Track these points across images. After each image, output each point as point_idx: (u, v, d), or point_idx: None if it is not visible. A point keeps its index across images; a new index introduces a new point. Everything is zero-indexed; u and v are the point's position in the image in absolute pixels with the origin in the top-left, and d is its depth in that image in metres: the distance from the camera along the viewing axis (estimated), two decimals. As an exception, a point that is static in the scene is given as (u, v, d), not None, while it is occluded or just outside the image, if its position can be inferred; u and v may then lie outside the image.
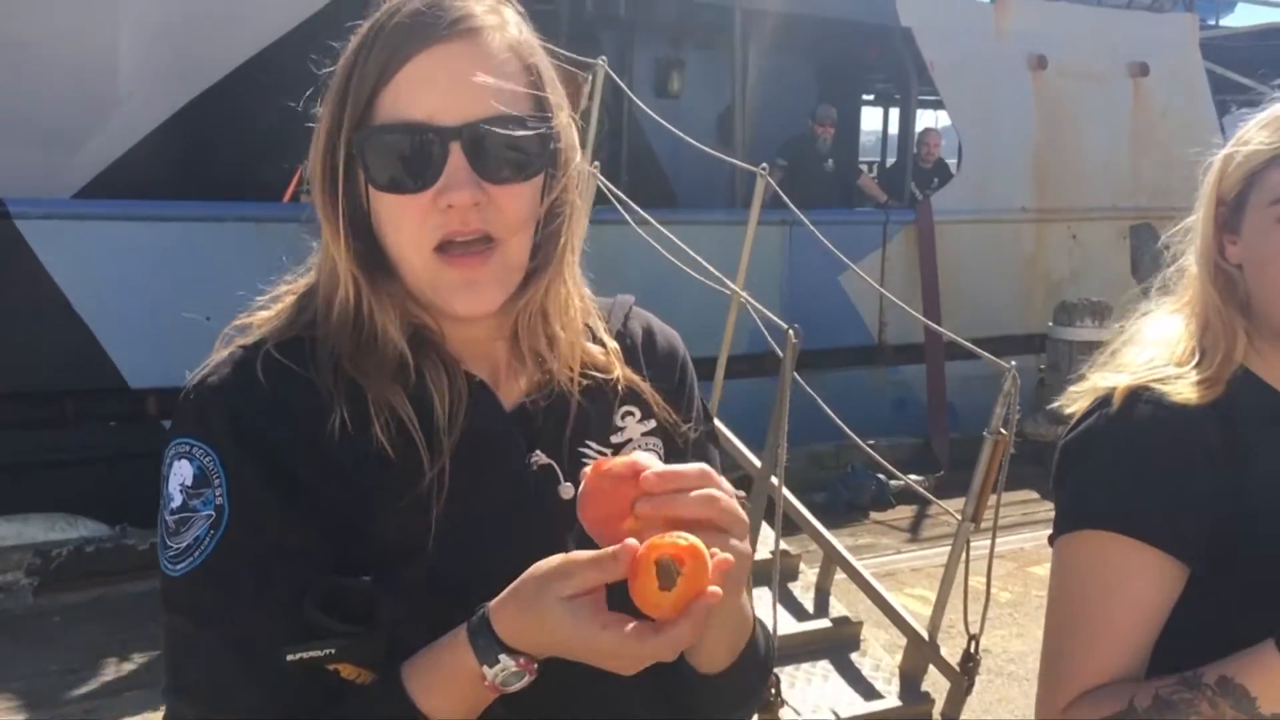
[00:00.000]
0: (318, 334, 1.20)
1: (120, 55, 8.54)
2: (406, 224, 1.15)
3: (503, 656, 1.05)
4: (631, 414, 1.32)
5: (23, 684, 5.40)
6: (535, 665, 1.06)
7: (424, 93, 1.13)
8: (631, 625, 1.00)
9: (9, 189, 7.69)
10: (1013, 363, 4.56)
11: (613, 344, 1.33)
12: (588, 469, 1.09)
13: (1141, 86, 12.48)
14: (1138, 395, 1.47)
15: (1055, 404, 1.60)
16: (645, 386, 1.32)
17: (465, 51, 1.14)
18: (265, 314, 1.25)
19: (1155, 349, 1.52)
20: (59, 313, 7.63)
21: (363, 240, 1.19)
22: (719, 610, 1.04)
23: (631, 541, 1.00)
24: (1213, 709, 1.31)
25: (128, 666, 5.54)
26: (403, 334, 1.20)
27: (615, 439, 1.30)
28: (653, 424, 1.33)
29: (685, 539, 1.01)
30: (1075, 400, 1.56)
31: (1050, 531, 1.53)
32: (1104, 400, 1.50)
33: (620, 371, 1.31)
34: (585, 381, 1.28)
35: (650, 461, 1.07)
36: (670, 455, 1.33)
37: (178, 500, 1.15)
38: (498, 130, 1.13)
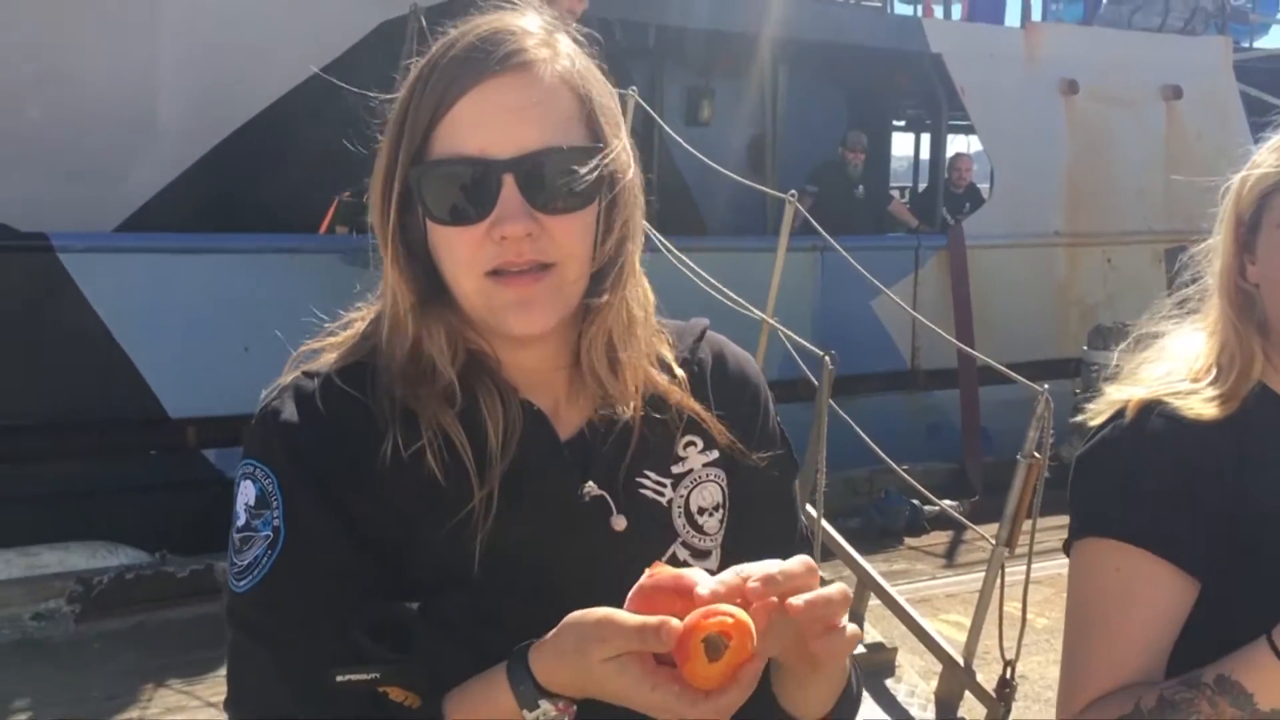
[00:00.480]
0: (378, 360, 1.23)
1: (159, 92, 8.71)
2: (461, 253, 1.17)
3: (543, 702, 1.07)
4: (694, 444, 1.31)
5: (64, 710, 5.45)
6: (574, 708, 1.08)
7: (477, 127, 1.15)
8: (681, 688, 1.01)
9: (52, 223, 7.84)
10: (1045, 386, 4.55)
11: (680, 372, 1.32)
12: (642, 579, 1.07)
13: (1175, 110, 12.42)
14: (1151, 408, 1.49)
15: (1078, 418, 1.61)
16: (708, 416, 1.31)
17: (517, 85, 1.16)
18: (334, 339, 1.28)
19: (1173, 364, 1.54)
20: (101, 344, 7.75)
21: (421, 268, 1.21)
22: (822, 671, 1.11)
23: (674, 621, 1.00)
24: (1212, 708, 1.33)
25: (167, 693, 5.59)
26: (453, 361, 1.21)
27: (676, 469, 1.30)
28: (715, 454, 1.32)
29: (732, 614, 1.01)
30: (1096, 415, 1.58)
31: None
32: (1119, 413, 1.51)
33: (683, 400, 1.30)
34: (647, 410, 1.28)
35: (698, 577, 1.05)
36: (734, 486, 1.32)
37: (242, 519, 1.19)
38: (550, 162, 1.15)
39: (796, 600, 1.03)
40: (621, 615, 1.03)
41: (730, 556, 1.25)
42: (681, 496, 1.29)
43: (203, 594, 6.77)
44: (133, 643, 6.32)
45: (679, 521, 1.29)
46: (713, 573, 1.07)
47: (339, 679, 1.11)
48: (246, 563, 1.17)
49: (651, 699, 1.01)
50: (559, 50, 1.21)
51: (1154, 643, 1.42)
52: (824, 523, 5.55)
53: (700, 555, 1.29)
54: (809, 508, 4.87)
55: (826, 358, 4.98)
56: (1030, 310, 11.35)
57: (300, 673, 1.13)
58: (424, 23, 7.88)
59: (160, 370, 7.95)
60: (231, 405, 7.94)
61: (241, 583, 1.16)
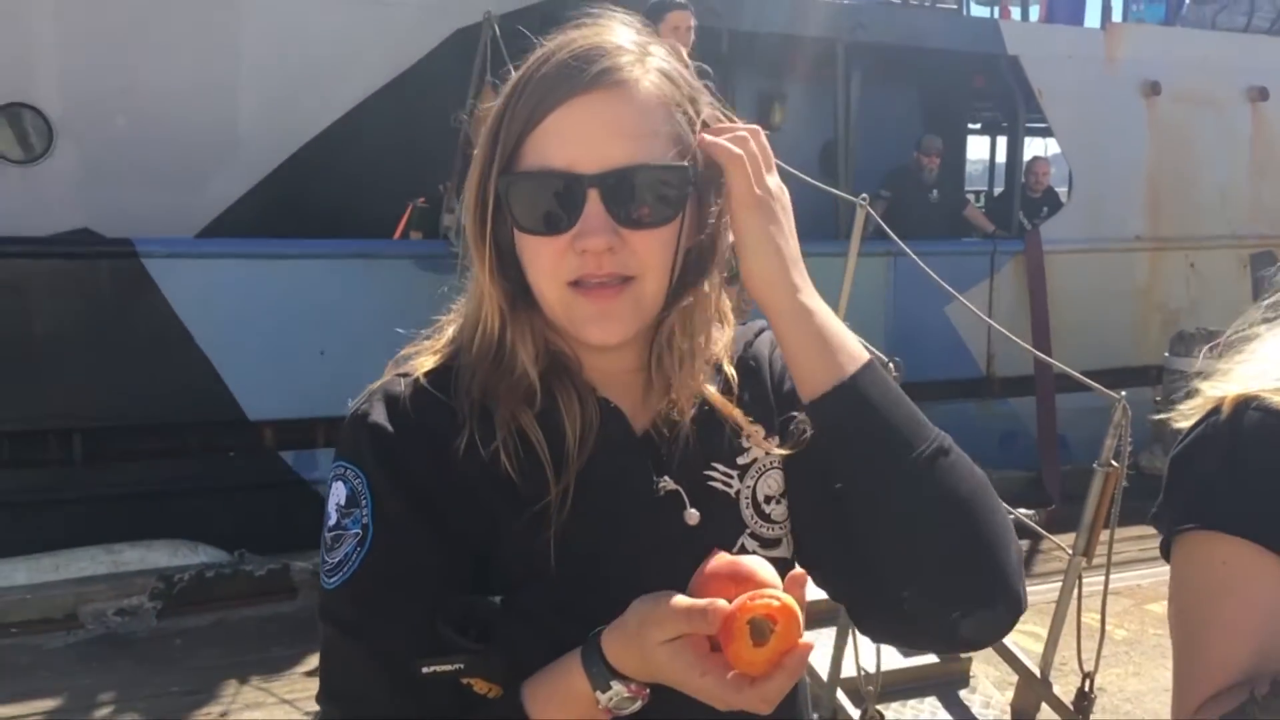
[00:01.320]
0: (462, 361, 1.27)
1: (238, 102, 8.90)
2: (544, 262, 1.20)
3: (614, 683, 1.09)
4: (756, 433, 1.35)
5: (146, 704, 5.59)
6: (647, 691, 1.10)
7: (566, 141, 1.18)
8: (730, 674, 1.03)
9: (136, 229, 8.04)
10: (1123, 393, 4.46)
11: (731, 370, 1.35)
12: (702, 566, 1.11)
13: (1261, 111, 12.12)
14: (1247, 403, 1.44)
15: (1162, 416, 1.58)
16: (742, 419, 1.33)
17: (608, 102, 1.19)
18: (426, 344, 1.33)
19: (1266, 365, 1.51)
20: (182, 347, 7.92)
21: (510, 272, 1.25)
22: (778, 312, 1.22)
23: (721, 602, 1.03)
24: None
25: (245, 688, 5.69)
26: (537, 362, 1.25)
27: (741, 460, 1.33)
28: (775, 441, 1.34)
29: (777, 598, 1.03)
30: (1187, 416, 1.55)
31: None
32: (1214, 410, 1.48)
33: (740, 391, 1.34)
34: (713, 405, 1.32)
35: (755, 563, 1.09)
36: (790, 466, 1.33)
37: (334, 519, 1.23)
38: (635, 178, 1.18)
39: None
40: (676, 598, 1.06)
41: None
42: (749, 487, 1.32)
43: (279, 592, 6.89)
44: (212, 639, 6.45)
45: (747, 513, 1.32)
46: (780, 561, 1.08)
47: (425, 670, 1.15)
48: (337, 560, 1.21)
49: (701, 684, 1.04)
50: (650, 67, 1.23)
51: (1266, 638, 1.37)
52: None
53: (769, 544, 1.31)
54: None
55: (891, 364, 4.94)
56: (1109, 316, 11.13)
57: (390, 665, 1.16)
58: (497, 31, 7.96)
59: (239, 373, 8.11)
60: (308, 408, 8.10)
61: (332, 579, 1.20)
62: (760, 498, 1.32)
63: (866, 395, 1.19)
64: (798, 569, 1.10)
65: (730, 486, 1.31)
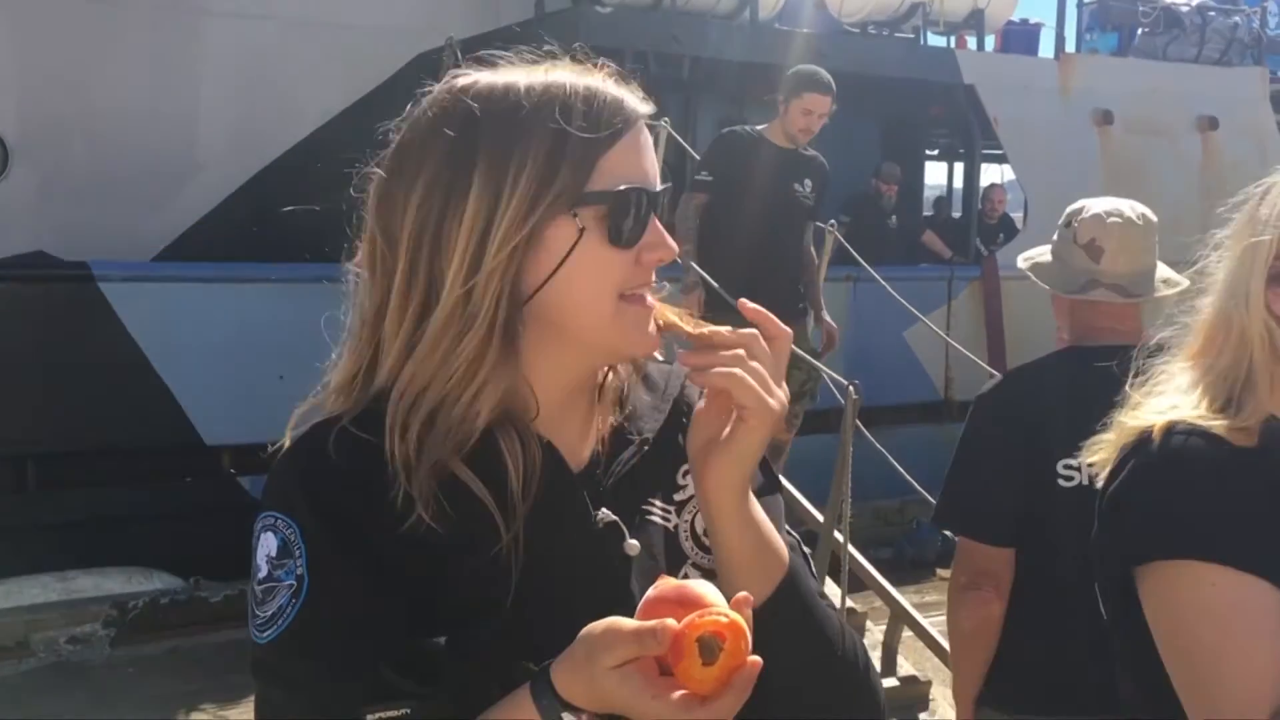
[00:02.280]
0: (388, 406, 1.23)
1: (197, 124, 8.86)
2: (613, 276, 1.23)
3: (565, 715, 1.09)
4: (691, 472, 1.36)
5: (99, 734, 5.51)
6: None
7: (636, 163, 1.25)
8: (679, 695, 1.03)
9: (92, 252, 7.96)
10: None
11: (667, 408, 1.38)
12: (649, 592, 1.12)
13: (1211, 141, 12.36)
14: (1175, 429, 1.44)
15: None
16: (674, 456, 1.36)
17: (644, 133, 1.28)
18: (331, 390, 1.29)
19: (1176, 398, 1.50)
20: (139, 371, 7.84)
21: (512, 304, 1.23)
22: (723, 530, 1.22)
23: (670, 621, 1.03)
24: None
25: (201, 717, 5.63)
26: (494, 407, 1.22)
27: (678, 496, 1.35)
28: None
29: (725, 615, 1.04)
30: (1097, 450, 1.54)
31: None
32: (1142, 440, 1.47)
33: (676, 432, 1.35)
34: (648, 443, 1.34)
35: (702, 588, 1.10)
36: None
37: (264, 570, 1.19)
38: (668, 198, 1.30)
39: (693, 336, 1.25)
40: (623, 622, 1.06)
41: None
42: (686, 521, 1.34)
43: (236, 619, 6.79)
44: (167, 667, 6.37)
45: (686, 544, 1.34)
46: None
47: (369, 718, 1.13)
48: (270, 613, 1.17)
49: (651, 707, 1.04)
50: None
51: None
52: (855, 552, 5.52)
53: (710, 575, 1.32)
54: (836, 534, 4.84)
55: (850, 387, 5.00)
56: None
57: (332, 716, 1.14)
58: (459, 56, 7.99)
59: (196, 397, 8.04)
60: (266, 433, 7.88)
61: (265, 633, 1.17)
62: (699, 530, 1.34)
63: (794, 603, 1.26)
64: (743, 592, 1.10)
65: (668, 520, 1.34)
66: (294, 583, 1.17)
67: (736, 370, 1.18)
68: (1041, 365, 3.00)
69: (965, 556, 2.77)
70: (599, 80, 1.27)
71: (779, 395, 1.20)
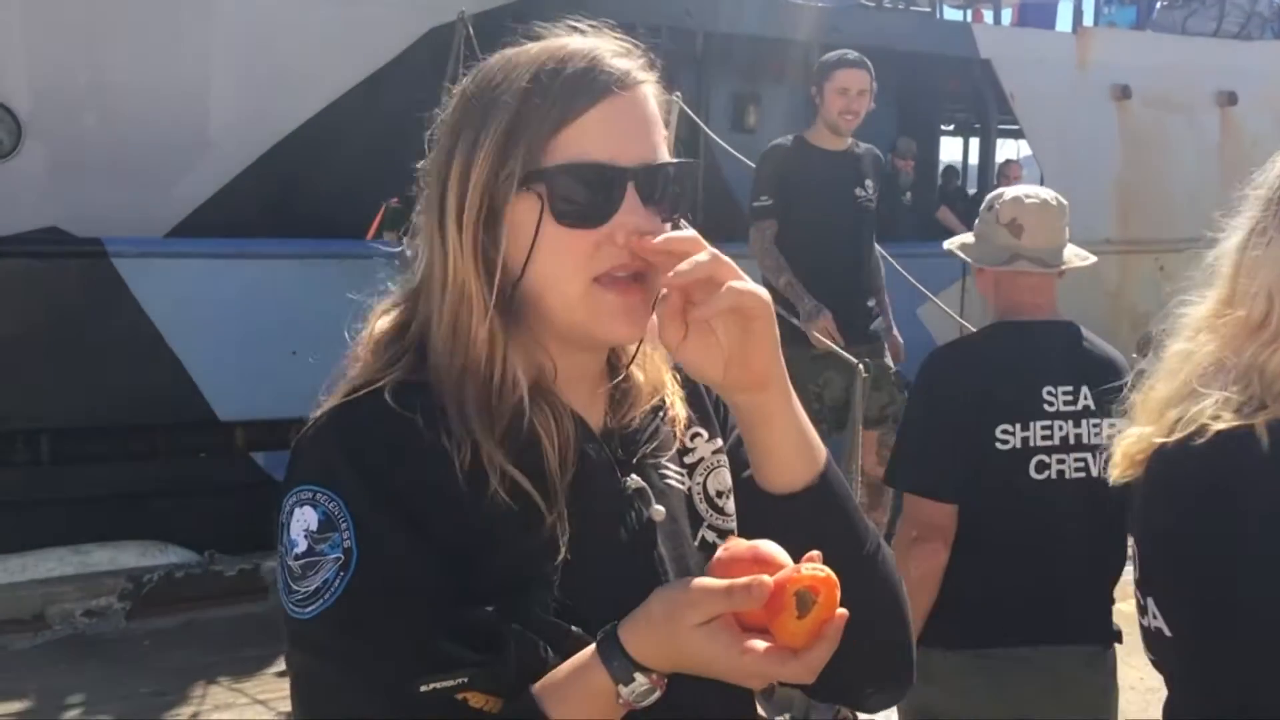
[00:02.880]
0: (431, 379, 1.24)
1: (210, 99, 8.84)
2: (577, 256, 1.21)
3: (637, 675, 1.10)
4: (700, 434, 1.40)
5: (115, 705, 5.55)
6: (665, 681, 1.11)
7: (604, 137, 1.21)
8: (770, 649, 1.05)
9: (106, 228, 7.97)
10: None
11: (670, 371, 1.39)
12: (719, 553, 1.13)
13: (1230, 115, 12.25)
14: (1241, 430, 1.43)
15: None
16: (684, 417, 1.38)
17: (632, 102, 1.24)
18: (366, 358, 1.28)
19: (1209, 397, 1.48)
20: (153, 347, 7.86)
21: (502, 284, 1.24)
22: (777, 414, 1.21)
23: (765, 577, 1.05)
24: None
25: (215, 689, 5.66)
26: (527, 380, 1.24)
27: (688, 459, 1.37)
28: (720, 442, 1.40)
29: (821, 570, 1.07)
30: (1131, 453, 1.55)
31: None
32: (1201, 436, 1.44)
33: (682, 396, 1.38)
34: (659, 407, 1.36)
35: (772, 547, 1.12)
36: (738, 473, 1.38)
37: (302, 545, 1.17)
38: (663, 174, 1.24)
39: (655, 240, 1.18)
40: (710, 580, 1.08)
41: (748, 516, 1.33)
42: (699, 483, 1.37)
43: (250, 593, 6.85)
44: (181, 640, 6.41)
45: (702, 506, 1.36)
46: None
47: (423, 689, 1.12)
48: (313, 588, 1.16)
49: (741, 663, 1.05)
50: (653, 76, 1.29)
51: None
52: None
53: (724, 535, 1.34)
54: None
55: (860, 366, 4.99)
56: (1079, 318, 11.05)
57: (386, 690, 1.13)
58: (471, 30, 7.95)
59: (210, 373, 8.05)
60: (279, 409, 8.01)
61: (309, 608, 1.15)
62: (712, 493, 1.37)
63: (836, 489, 1.27)
64: (814, 551, 1.11)
65: (683, 483, 1.36)
66: (341, 555, 1.15)
67: (730, 284, 1.15)
68: (976, 338, 3.38)
69: (914, 512, 3.02)
70: (585, 50, 1.24)
71: (750, 282, 1.18)
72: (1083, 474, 2.93)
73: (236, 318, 8.03)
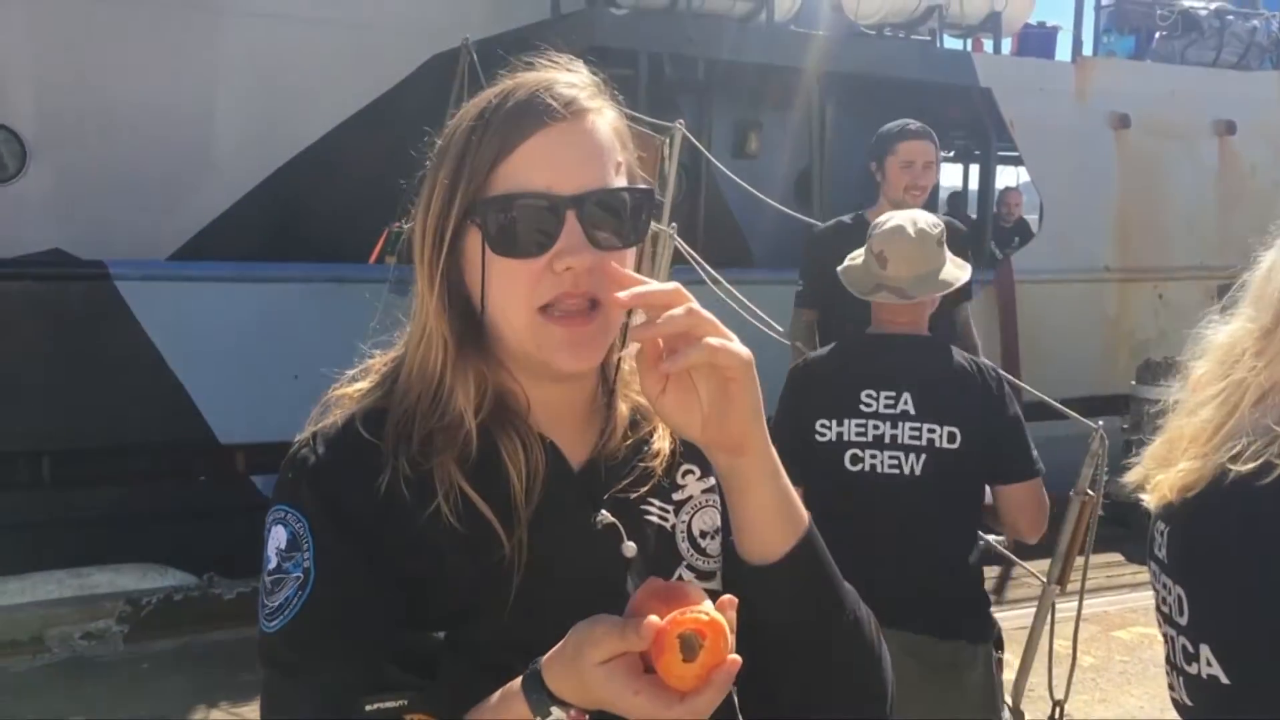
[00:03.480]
0: (394, 404, 1.27)
1: (214, 123, 8.89)
2: (519, 286, 1.21)
3: (554, 709, 1.10)
4: (692, 472, 1.38)
5: (112, 730, 5.52)
6: (587, 716, 1.11)
7: (543, 166, 1.21)
8: (656, 691, 1.05)
9: (109, 250, 8.00)
10: (1100, 422, 4.51)
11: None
12: (637, 591, 1.13)
13: (1228, 144, 12.30)
14: None
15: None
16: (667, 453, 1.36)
17: (576, 130, 1.23)
18: (357, 385, 1.33)
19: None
20: (154, 370, 7.88)
21: (460, 309, 1.26)
22: (754, 482, 1.18)
23: (653, 618, 1.05)
24: None
25: (215, 713, 5.64)
26: (477, 408, 1.26)
27: (676, 496, 1.36)
28: (711, 481, 1.37)
29: (706, 614, 1.06)
30: (1182, 484, 1.49)
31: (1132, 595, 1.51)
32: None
33: (668, 433, 1.36)
34: (647, 441, 1.35)
35: (689, 589, 1.11)
36: (725, 511, 1.36)
37: (274, 562, 1.23)
38: (608, 201, 1.22)
39: (622, 295, 1.13)
40: (610, 618, 1.08)
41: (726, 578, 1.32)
42: (684, 522, 1.35)
43: (249, 617, 6.75)
44: (181, 663, 6.38)
45: (683, 545, 1.34)
46: (716, 593, 1.12)
47: (368, 708, 1.15)
48: (277, 604, 1.21)
49: (634, 703, 1.05)
50: (606, 103, 1.29)
51: None
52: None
53: (705, 576, 1.34)
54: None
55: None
56: (1079, 346, 11.22)
57: (332, 705, 1.17)
58: (474, 56, 8.00)
59: (211, 396, 8.07)
60: (280, 432, 7.95)
61: (273, 623, 1.21)
62: (696, 532, 1.35)
63: (814, 557, 1.25)
64: (728, 595, 1.11)
65: (666, 521, 1.34)
66: (301, 575, 1.20)
67: (706, 340, 1.12)
68: (834, 345, 3.60)
69: None
70: (533, 81, 1.25)
71: (737, 341, 1.15)
72: (895, 471, 3.22)
73: (238, 341, 8.05)
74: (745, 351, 1.15)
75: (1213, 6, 12.83)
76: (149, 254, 8.35)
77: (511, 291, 1.22)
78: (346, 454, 1.25)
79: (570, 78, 1.27)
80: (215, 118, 8.91)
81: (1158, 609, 1.60)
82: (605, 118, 1.27)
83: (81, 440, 7.82)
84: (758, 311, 6.14)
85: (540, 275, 1.20)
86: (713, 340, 1.12)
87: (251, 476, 8.18)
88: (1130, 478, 1.60)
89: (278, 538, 1.23)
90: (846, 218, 5.00)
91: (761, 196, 7.08)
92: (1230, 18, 12.79)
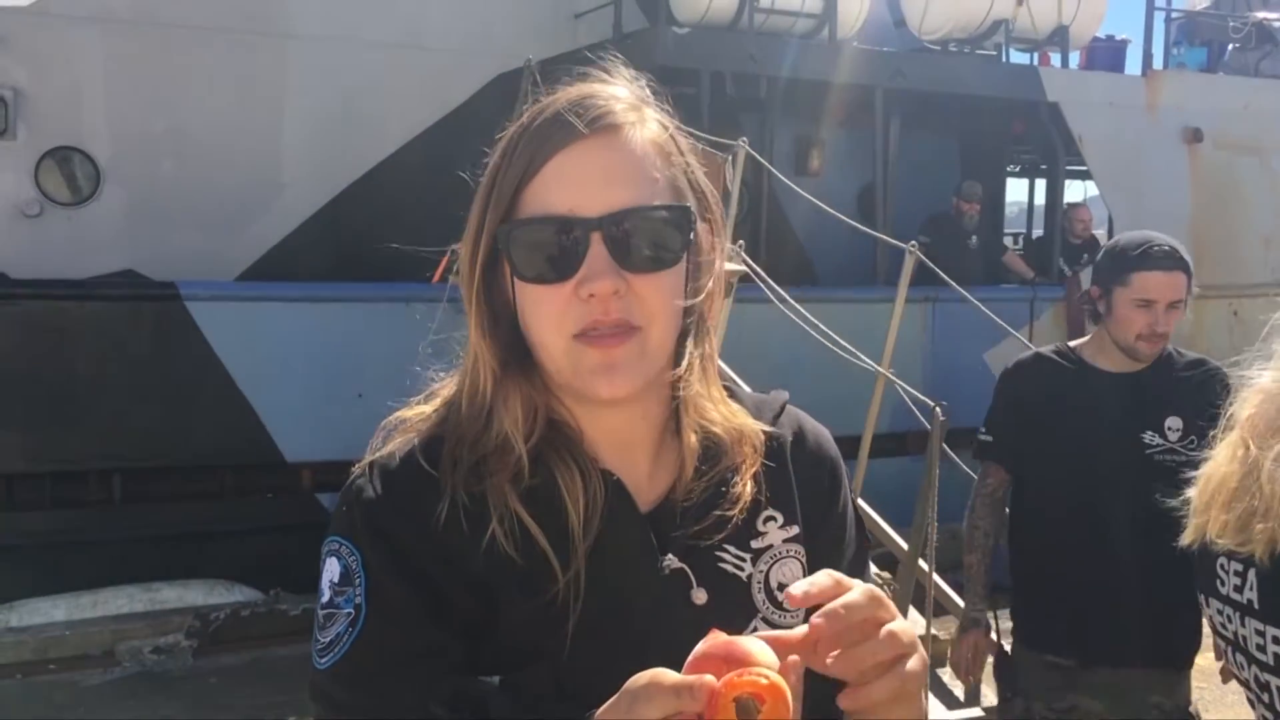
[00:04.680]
0: (449, 432, 1.22)
1: (283, 146, 9.03)
2: (549, 312, 1.16)
3: None
4: (774, 519, 1.29)
5: (180, 745, 5.58)
6: None
7: (566, 187, 1.15)
8: None
9: (179, 271, 8.14)
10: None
11: (749, 445, 1.29)
12: (699, 645, 1.04)
13: (1305, 158, 12.02)
14: None
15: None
16: (787, 492, 1.30)
17: (605, 147, 1.17)
18: (419, 410, 1.28)
19: None
20: (223, 389, 7.99)
21: (505, 333, 1.21)
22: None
23: (708, 677, 0.98)
24: None
25: (279, 729, 5.69)
26: (529, 435, 1.20)
27: (755, 544, 1.27)
28: (795, 530, 1.30)
29: (765, 676, 0.98)
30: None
31: None
32: None
33: (761, 473, 1.28)
34: (727, 482, 1.26)
35: (751, 645, 1.02)
36: (813, 563, 1.29)
37: (326, 596, 1.19)
38: (637, 221, 1.15)
39: (818, 620, 1.00)
40: (666, 674, 1.00)
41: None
42: (761, 572, 1.27)
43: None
44: (248, 677, 6.46)
45: (759, 597, 1.26)
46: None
47: None
48: (328, 640, 1.16)
49: None
50: (645, 116, 1.21)
51: None
52: (939, 580, 5.42)
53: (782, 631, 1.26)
54: (920, 562, 4.75)
55: (938, 409, 4.91)
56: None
57: None
58: (538, 77, 8.05)
59: (278, 415, 8.17)
60: (345, 450, 8.01)
61: (323, 659, 1.16)
62: (774, 584, 1.27)
63: None
64: (795, 657, 1.02)
65: (741, 570, 1.26)
66: (352, 611, 1.16)
67: (891, 629, 1.01)
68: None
69: None
70: (567, 97, 1.20)
71: (921, 654, 1.04)
72: None
73: (305, 360, 8.15)
74: (917, 643, 1.04)
75: (1287, 17, 12.57)
76: (218, 275, 8.49)
77: (544, 317, 1.17)
78: (403, 485, 1.20)
79: (606, 90, 1.21)
80: (283, 140, 9.05)
81: (1239, 651, 1.58)
82: (644, 131, 1.20)
83: (151, 458, 7.94)
84: (823, 328, 6.09)
85: (568, 301, 1.15)
86: (895, 629, 1.02)
87: (317, 494, 8.26)
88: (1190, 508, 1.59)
89: (331, 570, 1.19)
90: (1048, 350, 3.64)
91: (833, 212, 7.02)
92: (1306, 28, 12.53)
